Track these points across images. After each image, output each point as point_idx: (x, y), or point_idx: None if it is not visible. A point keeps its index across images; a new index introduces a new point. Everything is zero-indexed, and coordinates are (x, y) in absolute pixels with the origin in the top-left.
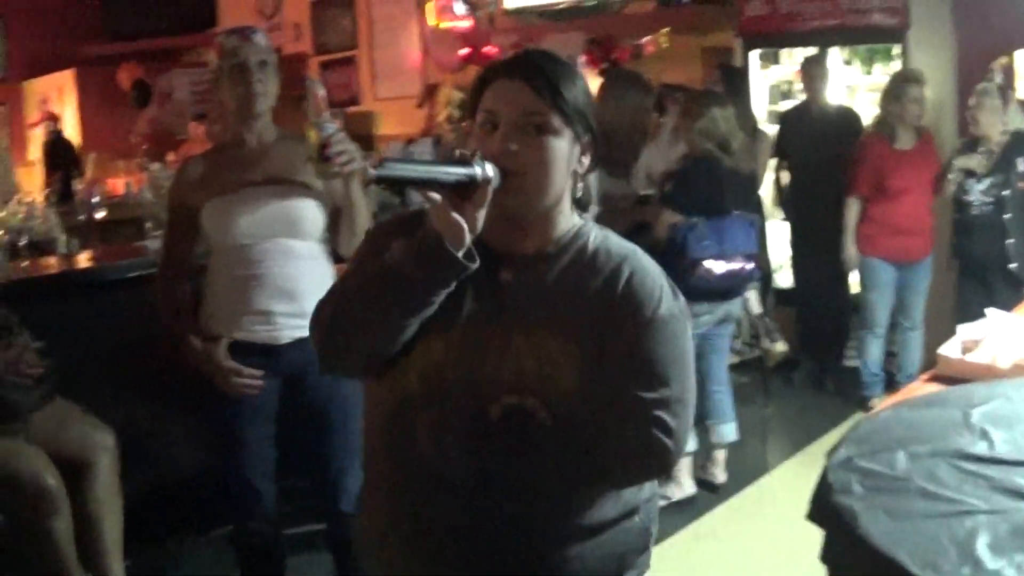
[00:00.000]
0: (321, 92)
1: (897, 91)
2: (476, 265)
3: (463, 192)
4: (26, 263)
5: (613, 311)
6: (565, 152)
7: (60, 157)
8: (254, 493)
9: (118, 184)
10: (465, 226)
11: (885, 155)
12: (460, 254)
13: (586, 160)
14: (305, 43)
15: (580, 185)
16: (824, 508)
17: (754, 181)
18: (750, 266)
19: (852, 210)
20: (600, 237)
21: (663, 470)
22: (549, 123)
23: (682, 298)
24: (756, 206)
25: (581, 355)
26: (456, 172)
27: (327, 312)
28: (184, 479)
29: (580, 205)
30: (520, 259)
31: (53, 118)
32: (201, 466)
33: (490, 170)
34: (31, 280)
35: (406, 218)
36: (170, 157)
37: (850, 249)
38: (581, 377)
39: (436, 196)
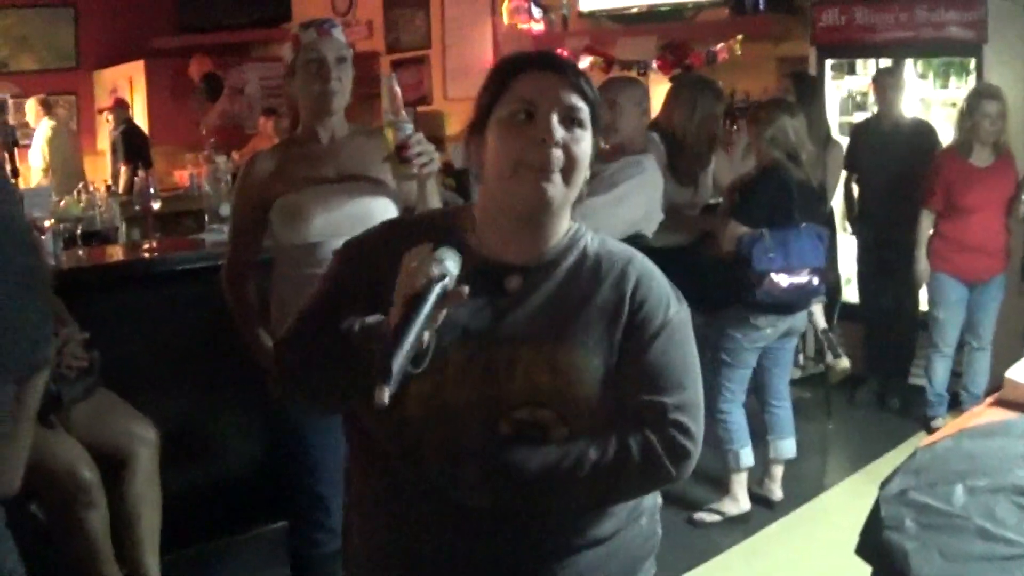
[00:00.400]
0: (399, 90)
1: (972, 106)
2: (422, 368)
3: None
4: (81, 252)
5: (623, 318)
6: (590, 151)
7: (135, 148)
8: (318, 500)
9: (184, 176)
10: (426, 339)
11: (959, 171)
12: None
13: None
14: (377, 41)
15: (584, 190)
16: (874, 544)
17: (824, 193)
18: (816, 280)
19: (924, 223)
20: (598, 241)
21: (683, 474)
22: (585, 120)
23: (684, 302)
24: (825, 218)
25: (596, 364)
26: (432, 302)
27: (291, 360)
28: (229, 478)
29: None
30: (525, 267)
31: (123, 105)
32: (245, 465)
33: (453, 268)
34: (82, 270)
35: (387, 228)
36: (234, 155)
37: (921, 263)
38: (598, 387)
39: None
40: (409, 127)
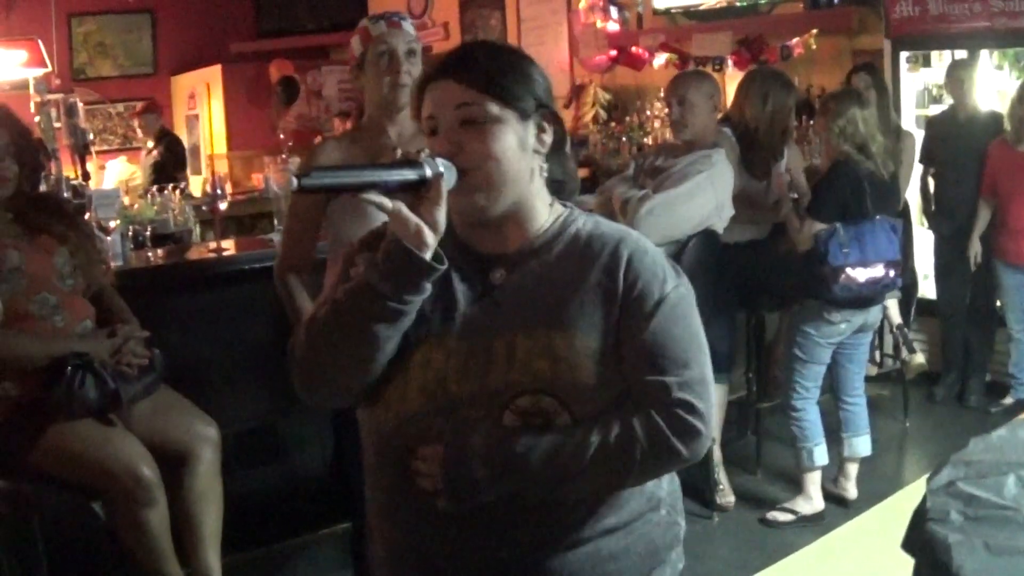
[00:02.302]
0: None
1: (1020, 96)
2: (444, 267)
3: (416, 192)
4: (150, 253)
5: (619, 297)
6: (514, 136)
7: (181, 163)
8: None
9: (260, 179)
10: (424, 226)
11: (1004, 158)
12: (427, 256)
13: (547, 138)
14: (454, 42)
15: (545, 167)
16: (917, 536)
17: (896, 184)
18: (892, 273)
19: (981, 211)
20: (591, 222)
21: (695, 453)
22: (485, 111)
23: (684, 275)
24: (899, 211)
25: (594, 348)
26: (398, 174)
27: (299, 342)
28: (295, 479)
29: (559, 191)
30: (509, 257)
31: (154, 109)
32: (312, 466)
33: (440, 165)
34: (148, 270)
35: (378, 233)
36: None
37: (973, 246)
38: (598, 371)
39: (382, 199)
40: None
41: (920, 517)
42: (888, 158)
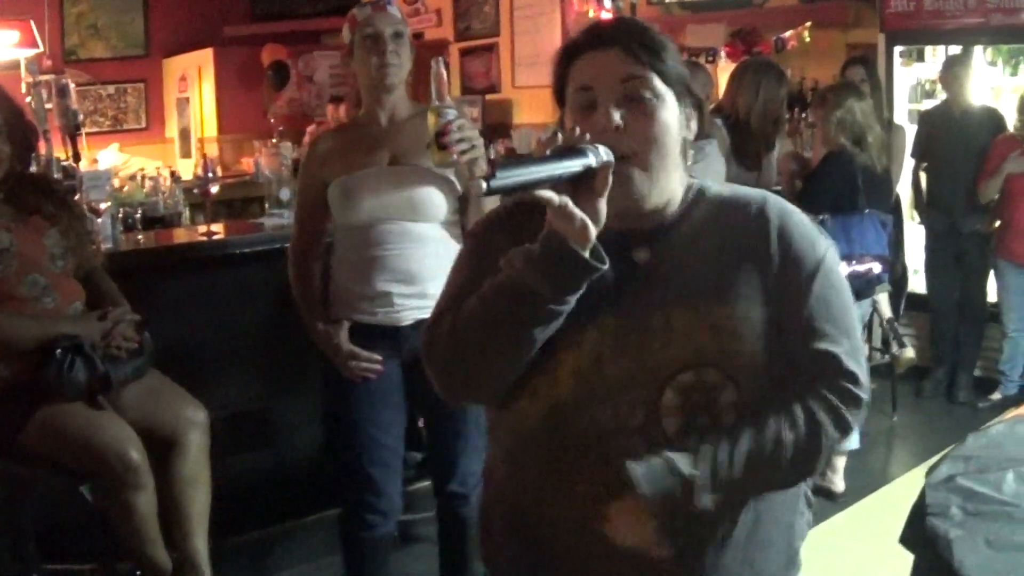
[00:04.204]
0: (445, 75)
1: None
2: (606, 266)
3: (580, 183)
4: (140, 236)
5: (774, 263)
6: (675, 118)
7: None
8: (369, 482)
9: (250, 163)
10: (588, 221)
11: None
12: (587, 253)
13: (693, 125)
14: (447, 29)
15: (691, 152)
16: (917, 532)
17: (889, 178)
18: (879, 268)
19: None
20: (727, 188)
21: (856, 424)
22: (653, 88)
23: (829, 238)
24: (891, 205)
25: (755, 316)
26: (573, 164)
27: (443, 344)
28: (288, 463)
29: None
30: (647, 233)
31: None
32: (304, 449)
33: (604, 152)
34: (138, 252)
35: (509, 211)
36: (306, 138)
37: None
38: (760, 341)
39: (550, 195)
40: (452, 113)
41: (919, 512)
42: (883, 151)
